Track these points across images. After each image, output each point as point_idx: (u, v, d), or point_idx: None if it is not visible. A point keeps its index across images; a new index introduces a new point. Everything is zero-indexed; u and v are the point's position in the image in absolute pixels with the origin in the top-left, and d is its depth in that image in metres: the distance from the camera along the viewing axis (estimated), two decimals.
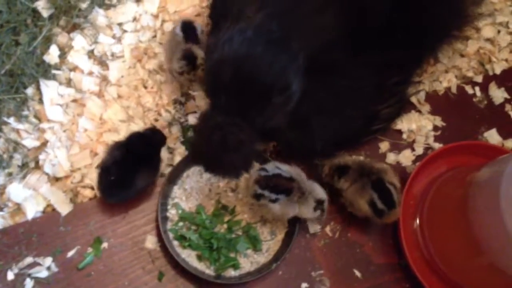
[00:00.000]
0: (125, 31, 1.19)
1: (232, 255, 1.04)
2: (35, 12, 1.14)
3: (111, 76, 1.15)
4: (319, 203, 1.01)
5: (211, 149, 0.93)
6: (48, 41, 1.14)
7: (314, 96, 0.99)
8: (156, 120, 1.13)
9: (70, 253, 1.04)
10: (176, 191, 1.08)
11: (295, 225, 1.05)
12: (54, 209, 1.06)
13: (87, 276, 1.03)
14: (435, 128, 1.18)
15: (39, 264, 1.02)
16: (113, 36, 1.18)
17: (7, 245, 1.03)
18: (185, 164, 1.09)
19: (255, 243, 1.05)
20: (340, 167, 1.05)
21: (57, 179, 1.08)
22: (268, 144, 1.10)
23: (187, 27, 1.11)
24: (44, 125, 1.10)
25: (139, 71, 1.16)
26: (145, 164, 1.04)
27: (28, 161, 1.09)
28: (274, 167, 1.01)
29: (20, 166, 1.09)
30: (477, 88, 1.22)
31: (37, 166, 1.09)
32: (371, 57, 1.02)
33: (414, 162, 1.15)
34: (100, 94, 1.14)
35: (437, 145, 1.16)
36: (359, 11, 1.01)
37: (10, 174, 1.08)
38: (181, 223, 1.06)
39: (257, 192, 0.99)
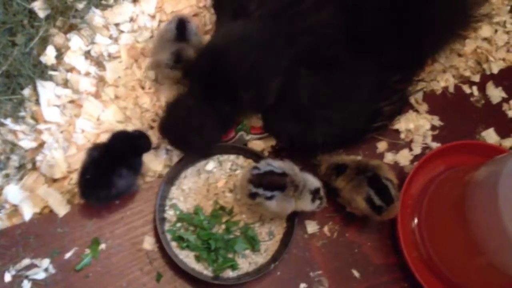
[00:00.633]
0: (122, 31, 1.19)
1: (230, 255, 1.04)
2: (32, 13, 1.14)
3: (108, 76, 1.14)
4: (315, 193, 1.01)
5: (176, 127, 1.01)
6: (44, 41, 1.14)
7: (317, 91, 1.00)
8: (154, 120, 1.13)
9: (67, 255, 1.03)
10: (174, 192, 1.08)
11: (293, 225, 1.05)
12: (51, 211, 1.06)
13: (85, 277, 1.03)
14: (433, 127, 1.18)
15: (36, 266, 1.02)
16: (110, 37, 1.18)
17: (4, 246, 1.02)
18: (183, 164, 1.09)
19: (253, 243, 1.05)
20: (338, 166, 1.05)
21: (54, 180, 1.08)
22: (231, 130, 1.12)
23: (182, 26, 1.11)
24: (41, 126, 1.10)
25: (136, 71, 1.16)
26: (125, 164, 1.02)
27: (25, 162, 1.09)
28: (265, 164, 1.01)
29: (17, 168, 1.08)
30: (474, 88, 1.22)
31: (34, 167, 1.08)
32: (372, 55, 1.03)
33: (412, 161, 1.15)
34: (97, 95, 1.14)
35: (434, 145, 1.16)
36: (355, 11, 1.01)
37: (7, 176, 1.08)
38: (179, 224, 1.06)
39: (251, 191, 0.99)
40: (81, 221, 1.05)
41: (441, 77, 1.22)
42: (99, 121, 1.12)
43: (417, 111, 1.19)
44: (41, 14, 1.14)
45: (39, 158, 1.08)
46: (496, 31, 1.27)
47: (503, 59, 1.25)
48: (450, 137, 1.16)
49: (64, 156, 1.08)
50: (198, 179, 1.09)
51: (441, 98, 1.20)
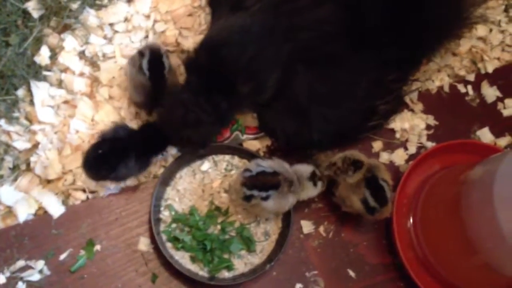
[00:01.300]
0: (116, 31, 1.18)
1: (225, 256, 1.04)
2: (26, 13, 1.13)
3: (102, 77, 1.14)
4: (313, 177, 1.02)
5: (172, 122, 1.01)
6: (38, 42, 1.13)
7: (314, 88, 1.00)
8: (148, 121, 1.12)
9: (62, 256, 1.03)
10: (169, 192, 1.08)
11: (289, 225, 1.05)
12: (46, 212, 1.05)
13: (80, 279, 1.02)
14: (428, 127, 1.18)
15: (31, 267, 1.02)
16: (104, 37, 1.17)
17: None
18: (178, 165, 1.08)
19: (248, 244, 1.05)
20: (355, 161, 1.03)
21: (48, 181, 1.07)
22: (227, 130, 1.12)
23: (154, 63, 1.03)
24: (35, 127, 1.09)
25: None
26: (137, 157, 1.01)
27: (19, 163, 1.08)
28: (256, 165, 1.01)
29: (11, 169, 1.08)
30: (469, 87, 1.22)
31: (29, 168, 1.08)
32: (370, 52, 1.03)
33: (407, 161, 1.15)
34: (91, 95, 1.13)
35: (430, 144, 1.16)
36: (354, 8, 1.01)
37: (1, 177, 1.07)
38: (174, 225, 1.06)
39: (246, 194, 0.99)
40: (76, 222, 1.05)
41: (436, 76, 1.22)
42: (93, 121, 1.12)
43: (412, 110, 1.19)
44: (35, 14, 1.13)
45: (33, 159, 1.07)
46: (491, 30, 1.27)
47: (498, 58, 1.25)
48: (445, 137, 1.16)
49: (59, 157, 1.08)
50: (193, 179, 1.09)
51: (436, 98, 1.20)
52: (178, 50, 1.18)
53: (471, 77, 1.22)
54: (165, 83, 1.04)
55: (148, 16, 1.20)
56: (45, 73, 1.13)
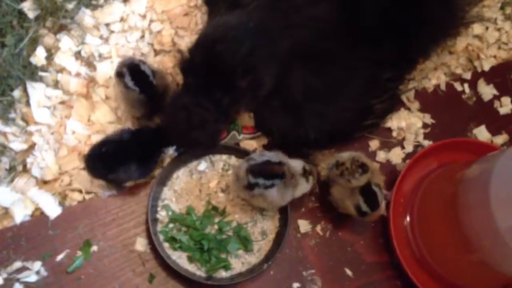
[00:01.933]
0: (112, 31, 1.18)
1: (223, 256, 1.04)
2: (21, 14, 1.13)
3: (98, 77, 1.14)
4: (304, 172, 1.02)
5: (177, 128, 1.01)
6: (34, 42, 1.13)
7: (310, 85, 1.00)
8: (147, 126, 1.12)
9: (59, 257, 1.03)
10: (166, 192, 1.08)
11: (286, 225, 1.05)
12: (42, 213, 1.05)
13: (77, 279, 1.02)
14: (425, 125, 1.18)
15: (28, 269, 1.01)
16: (100, 37, 1.17)
17: None
18: (175, 165, 1.08)
19: (246, 243, 1.05)
20: (363, 164, 1.03)
21: (45, 182, 1.07)
22: (232, 121, 1.12)
23: (136, 76, 1.04)
24: (32, 128, 1.09)
25: None
26: (140, 163, 1.02)
27: (16, 164, 1.08)
28: (259, 154, 1.01)
29: (8, 170, 1.08)
30: (466, 85, 1.22)
31: (25, 169, 1.08)
32: (367, 50, 1.03)
33: (404, 160, 1.15)
34: (87, 96, 1.13)
35: (426, 143, 1.16)
36: (350, 8, 1.01)
37: None
38: (171, 225, 1.05)
39: (251, 181, 0.98)
40: (73, 223, 1.05)
41: (433, 74, 1.22)
42: (90, 122, 1.11)
43: (408, 109, 1.19)
44: (31, 14, 1.13)
45: (29, 160, 1.07)
46: (487, 28, 1.27)
47: (494, 56, 1.25)
48: (442, 135, 1.16)
49: (55, 157, 1.07)
50: (190, 179, 1.09)
51: (433, 96, 1.20)
52: (174, 49, 1.18)
53: (468, 75, 1.22)
54: (156, 88, 1.05)
55: (144, 16, 1.20)
56: (41, 73, 1.12)
